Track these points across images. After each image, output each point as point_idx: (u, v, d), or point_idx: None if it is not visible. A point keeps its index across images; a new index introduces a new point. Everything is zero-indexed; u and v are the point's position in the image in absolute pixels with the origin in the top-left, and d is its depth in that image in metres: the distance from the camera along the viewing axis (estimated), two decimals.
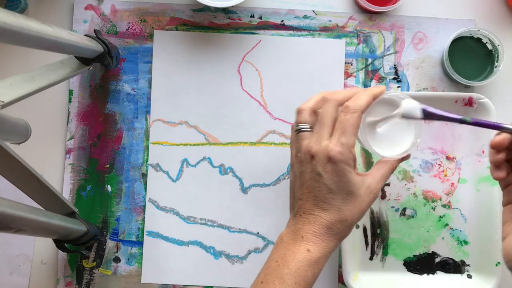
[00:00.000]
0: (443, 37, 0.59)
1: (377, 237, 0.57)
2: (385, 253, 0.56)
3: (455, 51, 0.57)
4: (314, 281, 0.42)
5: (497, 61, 0.56)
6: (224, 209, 0.58)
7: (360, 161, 0.57)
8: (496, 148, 0.41)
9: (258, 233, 0.57)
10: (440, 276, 0.56)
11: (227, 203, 0.58)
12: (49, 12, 0.59)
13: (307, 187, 0.43)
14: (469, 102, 0.55)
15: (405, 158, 0.47)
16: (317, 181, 0.42)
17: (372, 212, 0.57)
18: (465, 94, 0.55)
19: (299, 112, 0.45)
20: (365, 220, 0.57)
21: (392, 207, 0.57)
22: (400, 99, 0.45)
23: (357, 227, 0.56)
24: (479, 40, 0.57)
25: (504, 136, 0.41)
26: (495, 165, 0.42)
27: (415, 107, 0.43)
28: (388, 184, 0.57)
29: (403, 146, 0.46)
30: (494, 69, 0.56)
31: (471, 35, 0.57)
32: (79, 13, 0.59)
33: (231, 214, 0.57)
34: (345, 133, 0.41)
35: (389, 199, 0.57)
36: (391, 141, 0.46)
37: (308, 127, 0.44)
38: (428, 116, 0.43)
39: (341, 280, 0.56)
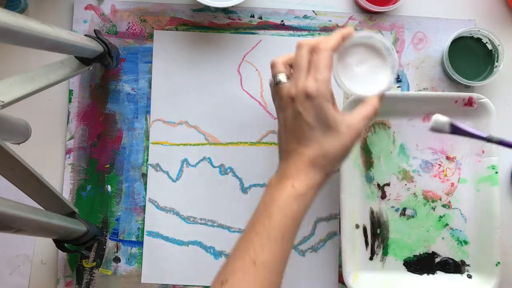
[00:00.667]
0: (443, 37, 0.59)
1: (377, 237, 0.57)
2: (385, 253, 0.56)
3: (455, 51, 0.57)
4: (303, 214, 0.42)
5: (497, 61, 0.56)
6: (224, 209, 0.58)
7: (360, 161, 0.57)
8: None
9: None
10: (440, 276, 0.56)
11: (227, 203, 0.58)
12: (49, 12, 0.59)
13: (290, 130, 0.44)
14: (469, 102, 0.55)
15: (383, 96, 0.47)
16: (298, 120, 0.43)
17: (372, 212, 0.57)
18: (465, 94, 0.55)
19: (273, 65, 0.47)
20: (365, 220, 0.57)
21: (392, 207, 0.57)
22: (373, 39, 0.47)
23: (357, 227, 0.56)
24: (479, 40, 0.57)
25: None
26: None
27: (445, 122, 0.44)
28: (388, 184, 0.57)
29: (379, 86, 0.47)
30: (494, 69, 0.56)
31: (471, 35, 0.57)
32: (79, 13, 0.59)
33: (231, 214, 0.57)
34: (318, 70, 0.42)
35: (389, 199, 0.57)
36: (368, 82, 0.47)
37: (285, 77, 0.45)
38: (455, 131, 0.44)
39: (341, 280, 0.56)
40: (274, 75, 0.46)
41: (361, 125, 0.44)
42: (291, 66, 0.46)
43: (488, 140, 0.42)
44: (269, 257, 0.40)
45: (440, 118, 0.44)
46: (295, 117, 0.43)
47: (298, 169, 0.43)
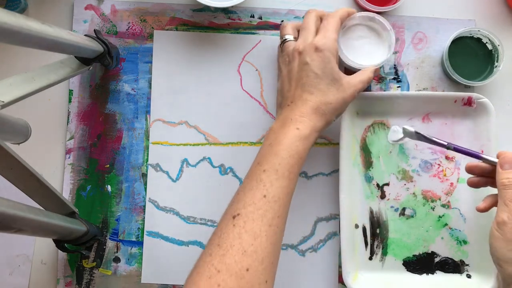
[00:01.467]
0: (443, 37, 0.59)
1: (377, 237, 0.57)
2: (384, 253, 0.56)
3: (455, 51, 0.57)
4: (306, 154, 0.46)
5: (497, 61, 0.56)
6: (224, 209, 0.57)
7: (359, 160, 0.57)
8: (469, 172, 0.50)
9: None
10: (439, 276, 0.56)
11: (227, 203, 0.58)
12: (49, 12, 0.59)
13: (295, 79, 0.48)
14: (469, 102, 0.55)
15: (378, 70, 0.54)
16: (305, 70, 0.47)
17: (371, 212, 0.57)
18: (464, 94, 0.55)
19: (282, 27, 0.52)
20: (365, 220, 0.57)
21: (392, 207, 0.57)
22: (374, 20, 0.53)
23: (357, 227, 0.56)
24: (479, 40, 0.57)
25: (477, 164, 0.49)
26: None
27: (412, 131, 0.52)
28: (388, 184, 0.57)
29: (376, 61, 0.53)
30: (494, 69, 0.56)
31: (471, 35, 0.57)
32: (79, 13, 0.59)
33: None
34: (328, 30, 0.48)
35: (389, 199, 0.57)
36: (365, 56, 0.54)
37: (292, 37, 0.51)
38: (420, 138, 0.51)
39: (341, 280, 0.56)
40: (283, 35, 0.51)
41: (358, 86, 0.49)
42: (299, 32, 0.51)
43: (447, 147, 0.49)
44: (278, 191, 0.43)
45: (408, 128, 0.52)
46: (302, 67, 0.47)
47: (303, 114, 0.46)
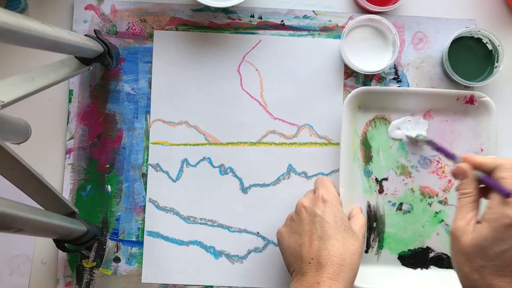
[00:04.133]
0: (443, 37, 0.59)
1: (373, 231, 0.57)
2: (380, 247, 0.57)
3: (455, 51, 0.57)
4: None
5: (497, 61, 0.56)
6: (224, 209, 0.58)
7: (359, 155, 0.57)
8: (454, 177, 0.45)
9: (258, 232, 0.57)
10: (433, 271, 0.56)
11: (227, 203, 0.58)
12: (49, 12, 0.59)
13: (308, 234, 0.45)
14: (471, 100, 0.55)
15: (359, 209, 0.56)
16: (317, 222, 0.45)
17: (368, 206, 0.57)
18: (467, 92, 0.55)
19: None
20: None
21: (389, 201, 0.57)
22: (381, 22, 0.55)
23: None
24: (479, 40, 0.57)
25: (459, 166, 0.44)
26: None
27: (424, 138, 0.55)
28: (386, 179, 0.57)
29: (378, 65, 0.55)
30: (494, 69, 0.56)
31: (471, 35, 0.57)
32: (79, 13, 0.59)
33: (231, 214, 0.57)
34: (326, 185, 0.50)
35: (386, 194, 0.57)
36: (369, 58, 0.56)
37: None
38: (431, 144, 0.54)
39: None
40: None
41: (363, 231, 0.50)
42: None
43: (455, 161, 0.47)
44: None
45: (422, 134, 0.55)
46: (313, 220, 0.46)
47: (330, 276, 0.42)
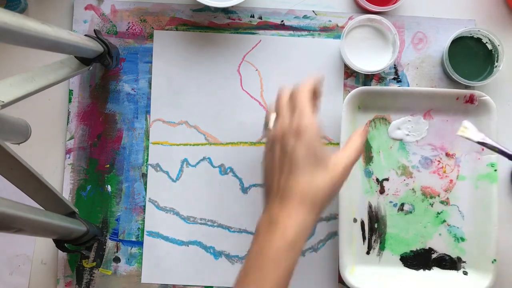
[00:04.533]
0: (443, 37, 0.59)
1: (375, 232, 0.57)
2: (382, 248, 0.57)
3: (455, 51, 0.57)
4: (295, 265, 0.42)
5: (497, 61, 0.56)
6: (224, 209, 0.58)
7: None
8: None
9: None
10: (436, 272, 0.56)
11: (227, 203, 0.58)
12: (49, 12, 0.59)
13: (278, 167, 0.44)
14: (470, 99, 0.55)
15: (365, 132, 0.48)
16: (288, 157, 0.43)
17: (370, 207, 0.57)
18: (467, 91, 0.55)
19: (266, 115, 0.49)
20: (363, 215, 0.57)
21: (390, 202, 0.57)
22: (381, 22, 0.55)
23: (355, 221, 0.56)
24: (479, 40, 0.57)
25: None
26: None
27: (477, 135, 0.47)
28: (387, 179, 0.57)
29: (378, 65, 0.55)
30: (494, 69, 0.56)
31: (471, 35, 0.57)
32: (79, 13, 0.59)
33: (231, 214, 0.57)
34: (301, 108, 0.44)
35: (388, 194, 0.57)
36: (369, 58, 0.56)
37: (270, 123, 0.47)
38: (484, 144, 0.47)
39: (340, 280, 0.56)
40: (266, 123, 0.48)
41: (348, 161, 0.44)
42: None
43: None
44: None
45: (472, 130, 0.46)
46: (284, 154, 0.43)
47: (289, 211, 0.42)
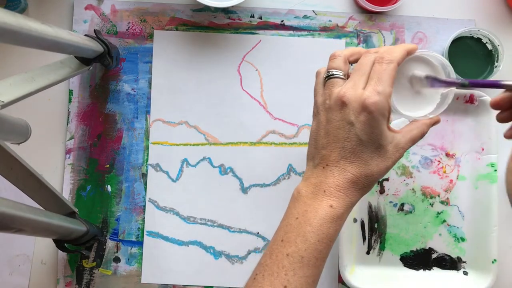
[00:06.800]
0: (443, 37, 0.59)
1: (375, 232, 0.57)
2: (382, 248, 0.57)
3: (455, 51, 0.57)
4: (336, 236, 0.40)
5: (497, 61, 0.56)
6: (224, 209, 0.58)
7: None
8: (495, 107, 0.41)
9: (258, 233, 0.57)
10: (436, 272, 0.56)
11: (227, 203, 0.58)
12: (49, 12, 0.59)
13: (333, 136, 0.40)
14: (470, 99, 0.56)
15: (436, 122, 0.45)
16: (348, 131, 0.39)
17: (370, 207, 0.57)
18: (466, 91, 0.55)
19: (332, 57, 0.43)
20: (363, 215, 0.57)
21: (391, 202, 0.57)
22: (432, 55, 0.44)
23: (355, 221, 0.56)
24: (479, 40, 0.57)
25: (501, 96, 0.40)
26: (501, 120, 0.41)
27: (422, 77, 0.43)
28: (387, 179, 0.57)
29: (428, 106, 0.45)
30: (494, 69, 0.56)
31: (471, 35, 0.57)
32: (79, 13, 0.59)
33: (231, 214, 0.57)
34: (382, 82, 0.39)
35: (388, 194, 0.57)
36: (415, 104, 0.45)
37: (342, 74, 0.42)
38: (433, 84, 0.44)
39: (341, 280, 0.56)
40: (329, 69, 0.42)
41: (407, 146, 0.42)
42: (350, 63, 0.43)
43: (462, 85, 0.42)
44: (301, 281, 0.38)
45: (417, 73, 0.43)
46: (344, 126, 0.40)
47: (339, 188, 0.40)
